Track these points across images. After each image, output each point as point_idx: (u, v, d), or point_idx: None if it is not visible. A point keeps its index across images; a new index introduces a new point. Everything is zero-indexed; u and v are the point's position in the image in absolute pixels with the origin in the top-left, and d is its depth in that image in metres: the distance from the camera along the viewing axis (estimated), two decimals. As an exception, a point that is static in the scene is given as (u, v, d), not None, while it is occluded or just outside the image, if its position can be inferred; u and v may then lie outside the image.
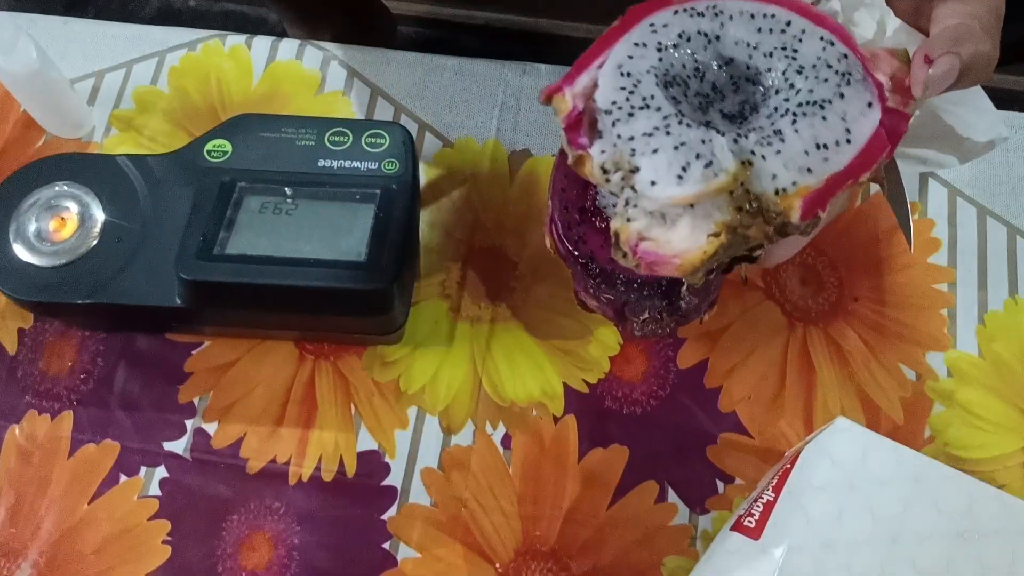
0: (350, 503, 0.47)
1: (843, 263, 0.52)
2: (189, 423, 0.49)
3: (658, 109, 0.35)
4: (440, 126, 0.56)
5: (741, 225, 0.34)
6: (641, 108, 0.36)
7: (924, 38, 0.37)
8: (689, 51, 0.37)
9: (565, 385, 0.50)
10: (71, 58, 0.58)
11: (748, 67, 0.37)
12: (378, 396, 0.50)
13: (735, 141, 0.35)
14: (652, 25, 0.38)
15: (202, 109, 0.57)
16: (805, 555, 0.39)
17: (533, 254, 0.53)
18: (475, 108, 0.57)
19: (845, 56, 0.36)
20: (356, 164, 0.49)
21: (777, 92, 0.36)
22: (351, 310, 0.46)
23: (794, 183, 0.34)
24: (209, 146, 0.49)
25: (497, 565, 0.46)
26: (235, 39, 0.59)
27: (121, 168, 0.49)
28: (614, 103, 0.36)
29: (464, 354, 0.50)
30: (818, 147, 0.35)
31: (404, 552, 0.46)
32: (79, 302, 0.46)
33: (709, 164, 0.34)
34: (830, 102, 0.35)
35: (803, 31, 0.37)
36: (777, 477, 0.42)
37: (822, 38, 0.37)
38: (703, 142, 0.34)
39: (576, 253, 0.45)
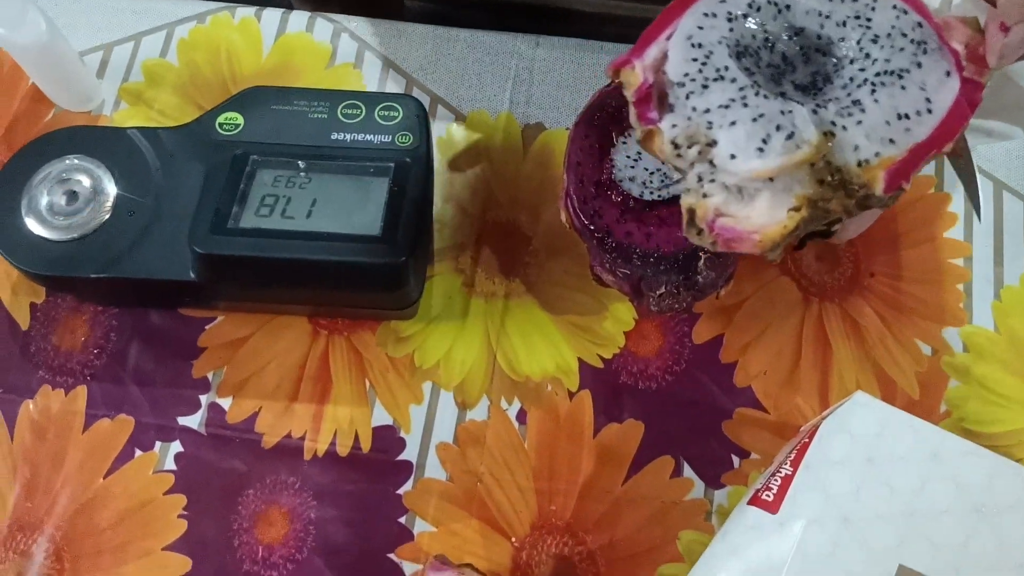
0: (366, 478, 0.47)
1: (859, 238, 0.52)
2: (203, 398, 0.49)
3: (733, 80, 0.34)
4: (452, 99, 0.56)
5: (822, 199, 0.33)
6: (715, 80, 0.35)
7: (990, 8, 0.36)
8: (759, 21, 0.36)
9: (580, 360, 0.50)
10: (79, 31, 0.58)
11: (819, 37, 0.36)
12: (392, 371, 0.49)
13: (814, 112, 0.34)
14: None
15: (212, 82, 0.56)
16: (823, 529, 0.39)
17: (547, 229, 0.52)
18: (487, 81, 0.56)
19: (920, 25, 0.36)
20: (369, 137, 0.48)
21: (851, 62, 0.35)
22: (366, 284, 0.46)
23: (877, 154, 0.33)
24: (221, 119, 0.49)
25: (513, 539, 0.46)
26: (245, 11, 0.58)
27: (133, 141, 0.48)
28: (686, 75, 0.35)
29: (478, 329, 0.50)
30: (899, 117, 0.34)
31: (420, 526, 0.46)
32: (92, 276, 0.46)
33: (791, 136, 0.33)
34: (908, 71, 0.35)
35: (875, 0, 0.37)
36: (795, 451, 0.42)
37: (895, 7, 0.36)
38: (782, 113, 0.34)
39: (592, 227, 0.44)
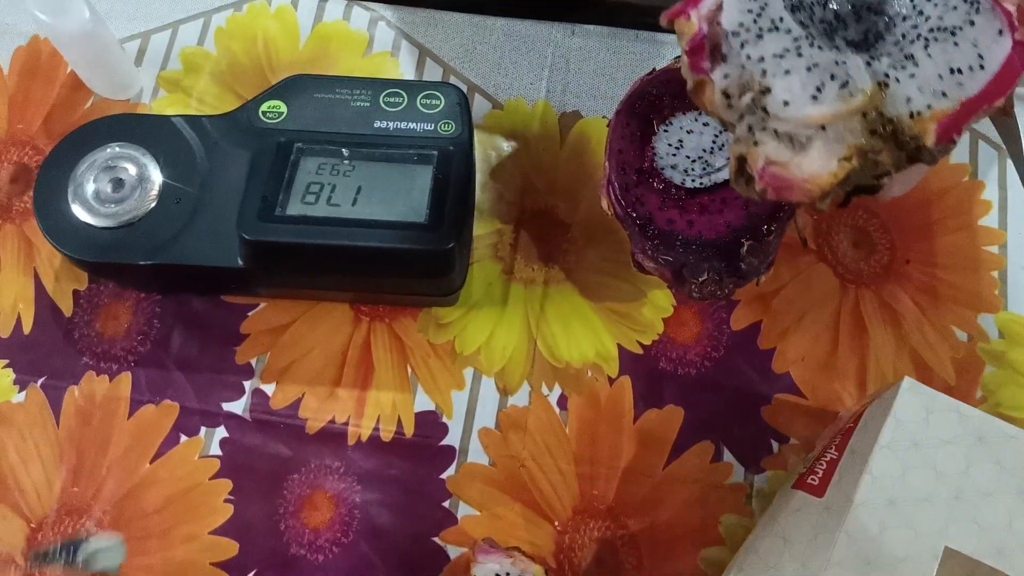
0: (409, 462, 0.48)
1: (895, 226, 0.52)
2: (247, 384, 0.49)
3: (788, 31, 0.35)
4: (489, 88, 0.56)
5: (873, 150, 0.34)
6: (770, 30, 0.35)
7: None
8: None
9: (619, 347, 0.50)
10: (116, 19, 0.58)
11: None
12: (434, 357, 0.50)
13: (868, 64, 0.34)
14: None
15: (250, 70, 0.56)
16: (870, 512, 0.40)
17: (585, 216, 0.53)
18: (524, 70, 0.56)
19: None
20: (412, 125, 0.48)
21: (904, 19, 0.36)
22: (413, 271, 0.46)
23: (929, 106, 0.34)
24: (264, 107, 0.49)
25: (556, 523, 0.47)
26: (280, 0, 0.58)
27: (177, 129, 0.49)
28: (741, 25, 0.35)
29: (518, 316, 0.51)
30: (952, 72, 0.34)
31: (464, 510, 0.47)
32: (140, 263, 0.46)
33: (845, 84, 0.34)
34: (960, 29, 0.35)
35: None
36: (840, 436, 0.43)
37: None
38: (837, 63, 0.34)
39: (634, 214, 0.45)
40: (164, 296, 0.51)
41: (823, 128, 0.34)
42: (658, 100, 0.47)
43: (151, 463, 0.48)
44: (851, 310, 0.51)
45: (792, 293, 0.51)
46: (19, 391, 0.49)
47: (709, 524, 0.47)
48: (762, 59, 0.34)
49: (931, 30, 0.35)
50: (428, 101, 0.49)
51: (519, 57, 0.57)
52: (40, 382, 0.49)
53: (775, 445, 0.48)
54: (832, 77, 0.34)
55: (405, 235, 0.45)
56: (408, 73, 0.56)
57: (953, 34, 0.35)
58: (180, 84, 0.56)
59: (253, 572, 0.46)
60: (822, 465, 0.42)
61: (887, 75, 0.34)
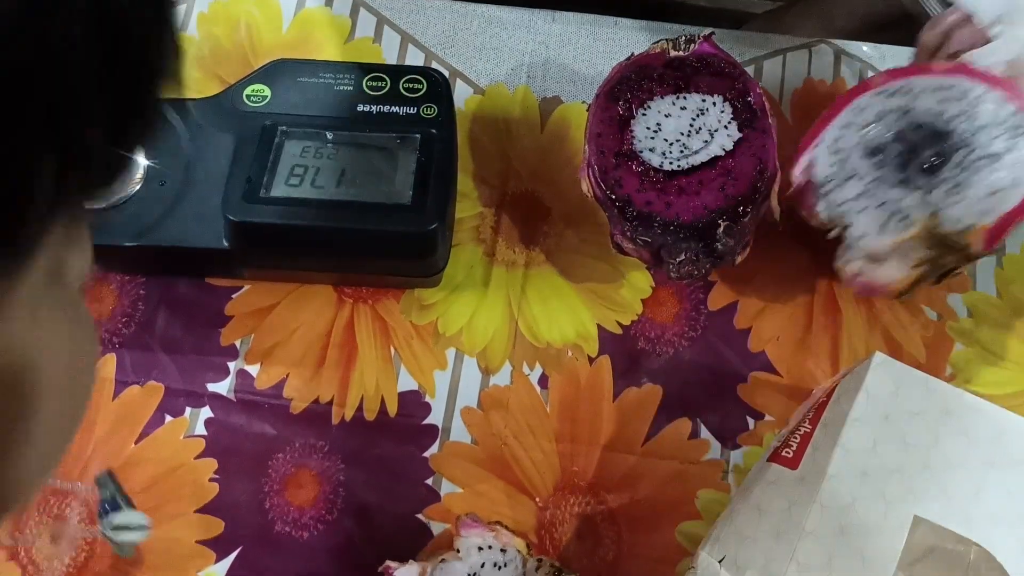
0: (393, 441, 0.49)
1: (867, 208, 0.53)
2: (232, 365, 0.50)
3: (862, 177, 0.45)
4: (471, 73, 0.57)
5: (937, 257, 0.44)
6: (848, 179, 0.46)
7: None
8: (887, 123, 0.46)
9: (599, 327, 0.51)
10: (97, 4, 0.58)
11: (936, 129, 0.46)
12: (417, 339, 0.51)
13: (926, 195, 0.44)
14: (856, 108, 0.47)
15: (233, 55, 0.57)
16: (842, 483, 0.41)
17: (565, 199, 0.54)
18: (505, 56, 0.57)
19: (1015, 113, 0.44)
20: (395, 109, 0.49)
21: (959, 149, 0.45)
22: (397, 252, 0.47)
23: (975, 223, 0.43)
24: (248, 91, 0.49)
25: (537, 499, 0.48)
26: (262, -15, 0.59)
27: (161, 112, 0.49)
28: (827, 177, 0.46)
29: (500, 297, 0.52)
30: (993, 193, 0.43)
31: (447, 488, 0.48)
32: (126, 245, 0.46)
33: (904, 218, 0.44)
34: (1002, 155, 0.44)
35: (979, 96, 0.45)
36: (813, 411, 0.44)
37: (995, 100, 0.45)
38: (898, 201, 0.44)
39: (613, 196, 0.46)
40: (148, 279, 0.52)
41: (895, 249, 0.44)
42: (636, 85, 0.48)
43: (136, 443, 0.48)
44: (825, 290, 0.52)
45: (768, 274, 0.52)
46: (4, 373, 0.49)
47: (686, 499, 0.48)
48: (844, 203, 0.45)
49: (979, 158, 0.44)
50: (410, 85, 0.50)
51: (500, 43, 0.58)
52: (25, 364, 0.50)
53: (751, 422, 0.50)
54: (894, 213, 0.44)
55: (388, 216, 0.46)
56: (390, 59, 0.57)
57: (995, 160, 0.44)
58: (163, 69, 0.56)
59: (239, 549, 0.47)
60: (796, 439, 0.43)
61: (940, 203, 0.43)
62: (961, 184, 0.44)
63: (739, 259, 0.48)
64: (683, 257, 0.46)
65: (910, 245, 0.44)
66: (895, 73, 0.47)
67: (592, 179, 0.47)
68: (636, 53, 0.49)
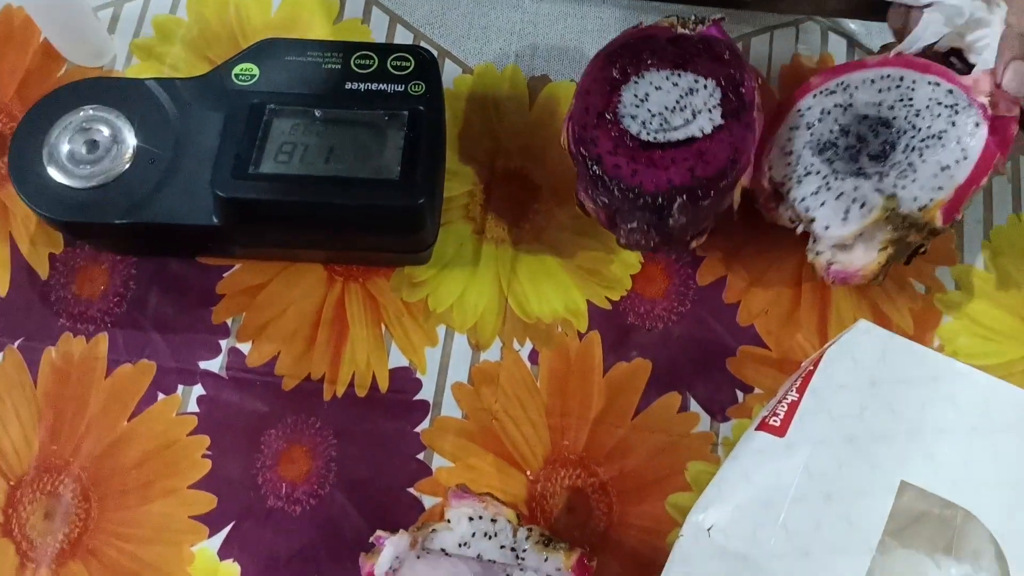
0: (384, 417, 0.49)
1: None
2: (223, 343, 0.50)
3: (817, 172, 0.47)
4: (459, 53, 0.57)
5: (901, 238, 0.45)
6: (805, 175, 0.48)
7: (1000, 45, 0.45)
8: (831, 120, 0.49)
9: (589, 303, 0.51)
10: (87, -13, 0.58)
11: (880, 118, 0.48)
12: (407, 316, 0.51)
13: (880, 180, 0.46)
14: (799, 111, 0.50)
15: (222, 36, 0.57)
16: (829, 450, 0.41)
17: (554, 177, 0.54)
18: (493, 35, 0.58)
19: (950, 92, 0.46)
20: (383, 86, 0.49)
21: (904, 132, 0.47)
22: (386, 227, 0.47)
23: (931, 200, 0.45)
24: (237, 70, 0.50)
25: (528, 472, 0.48)
26: (252, -33, 0.59)
27: (151, 91, 0.49)
28: (785, 176, 0.49)
29: (490, 274, 0.52)
30: (943, 168, 0.45)
31: (438, 462, 0.48)
32: (116, 222, 0.46)
33: (863, 205, 0.46)
34: (945, 132, 0.46)
35: (914, 81, 0.47)
36: (801, 379, 0.44)
37: (929, 83, 0.47)
38: (855, 189, 0.46)
39: (584, 152, 0.46)
40: (139, 258, 0.52)
41: (860, 235, 0.46)
42: (638, 53, 0.48)
43: (129, 421, 0.49)
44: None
45: (756, 248, 0.53)
46: (-4, 352, 0.50)
47: (676, 471, 0.48)
48: (804, 199, 0.47)
49: (923, 139, 0.46)
50: (398, 63, 0.50)
51: (488, 23, 0.58)
52: (17, 343, 0.50)
53: (740, 395, 0.50)
54: (853, 201, 0.46)
55: (377, 192, 0.46)
56: (379, 39, 0.57)
57: (940, 138, 0.46)
58: (153, 51, 0.56)
59: (231, 524, 0.47)
60: (783, 407, 0.43)
61: (895, 186, 0.45)
62: (912, 165, 0.46)
63: (694, 245, 0.48)
64: (634, 225, 0.46)
65: (874, 229, 0.45)
66: (831, 72, 0.50)
67: (570, 132, 0.47)
68: (644, 23, 0.49)
